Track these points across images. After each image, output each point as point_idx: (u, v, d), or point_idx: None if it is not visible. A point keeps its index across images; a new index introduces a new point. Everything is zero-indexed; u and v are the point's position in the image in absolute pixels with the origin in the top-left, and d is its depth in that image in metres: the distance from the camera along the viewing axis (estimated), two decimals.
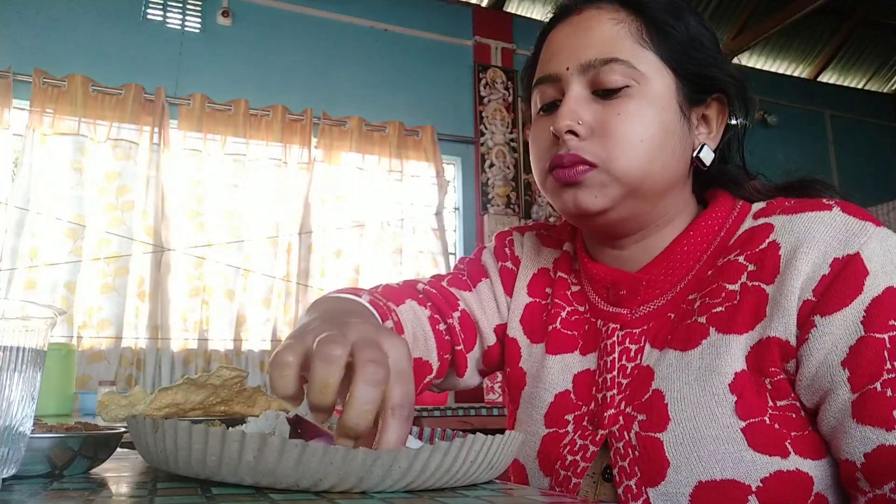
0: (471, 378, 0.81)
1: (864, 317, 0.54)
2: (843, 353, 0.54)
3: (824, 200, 0.61)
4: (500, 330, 0.80)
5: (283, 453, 0.43)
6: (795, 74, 5.61)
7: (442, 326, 0.77)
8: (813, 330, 0.56)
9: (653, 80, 0.63)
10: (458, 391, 0.87)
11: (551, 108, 0.67)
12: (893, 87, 5.98)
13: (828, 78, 5.72)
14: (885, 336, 0.53)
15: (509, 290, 0.80)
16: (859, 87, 5.87)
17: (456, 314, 0.78)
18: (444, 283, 0.80)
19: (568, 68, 0.65)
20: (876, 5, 5.15)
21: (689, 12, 0.67)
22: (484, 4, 4.57)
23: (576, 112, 0.63)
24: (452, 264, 4.12)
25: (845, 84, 5.81)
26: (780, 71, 5.56)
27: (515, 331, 0.78)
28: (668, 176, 0.65)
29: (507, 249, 0.83)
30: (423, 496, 0.45)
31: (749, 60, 5.38)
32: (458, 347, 0.77)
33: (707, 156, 0.67)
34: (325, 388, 0.44)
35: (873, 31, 5.47)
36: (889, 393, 0.52)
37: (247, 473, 0.44)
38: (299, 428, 0.52)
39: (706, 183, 0.72)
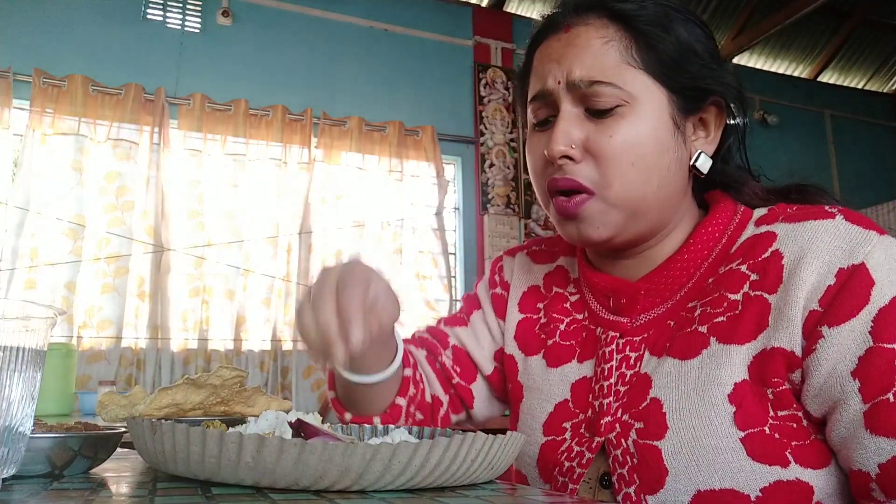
0: (486, 408, 0.84)
1: (871, 327, 0.54)
2: (852, 363, 0.54)
3: (827, 208, 0.61)
4: (499, 354, 0.82)
5: (282, 452, 0.42)
6: (795, 74, 5.61)
7: (437, 364, 0.82)
8: (821, 341, 0.55)
9: (643, 99, 0.62)
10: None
11: (545, 123, 0.67)
12: (893, 87, 5.97)
13: (828, 78, 5.72)
14: (895, 346, 0.53)
15: (501, 314, 0.83)
16: (859, 86, 5.87)
17: (447, 351, 0.83)
18: (440, 325, 0.86)
19: (559, 84, 0.64)
20: (876, 5, 5.15)
21: (680, 19, 0.65)
22: (484, 4, 4.56)
23: (568, 135, 0.63)
24: (452, 264, 4.15)
25: (845, 84, 5.81)
26: (780, 71, 5.55)
27: (511, 348, 0.80)
28: (666, 193, 0.65)
29: (496, 276, 0.85)
30: (423, 496, 0.45)
31: (749, 60, 5.38)
32: (455, 381, 0.81)
33: (704, 164, 0.66)
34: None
35: (873, 30, 5.46)
36: None
37: (246, 474, 0.44)
38: (301, 431, 0.52)
39: (706, 183, 0.71)
